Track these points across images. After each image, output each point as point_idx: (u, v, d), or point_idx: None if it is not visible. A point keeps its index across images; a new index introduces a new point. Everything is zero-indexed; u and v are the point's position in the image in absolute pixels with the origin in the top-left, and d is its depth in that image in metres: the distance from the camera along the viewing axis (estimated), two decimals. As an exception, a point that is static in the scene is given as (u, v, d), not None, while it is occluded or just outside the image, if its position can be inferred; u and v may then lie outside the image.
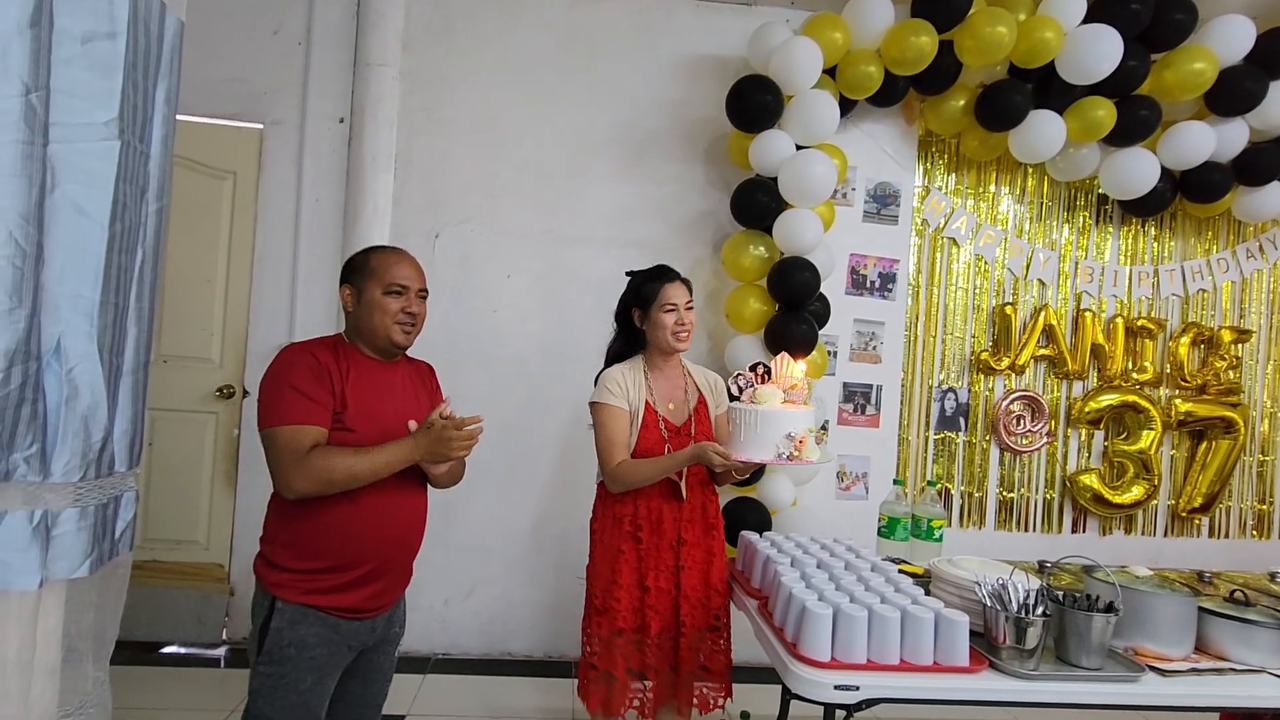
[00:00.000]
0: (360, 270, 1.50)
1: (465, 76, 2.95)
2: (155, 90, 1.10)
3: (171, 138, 1.16)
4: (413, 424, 1.45)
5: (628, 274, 1.96)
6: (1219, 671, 1.55)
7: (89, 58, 0.96)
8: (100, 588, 1.07)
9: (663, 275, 1.88)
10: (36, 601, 0.94)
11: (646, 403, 1.85)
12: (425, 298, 1.56)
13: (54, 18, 0.90)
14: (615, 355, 1.96)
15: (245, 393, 2.88)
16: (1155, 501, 3.26)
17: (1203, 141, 2.83)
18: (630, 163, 3.03)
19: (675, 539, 1.84)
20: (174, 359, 2.87)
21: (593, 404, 1.86)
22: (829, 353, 2.99)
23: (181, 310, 2.84)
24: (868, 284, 3.14)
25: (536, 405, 2.97)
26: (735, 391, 1.77)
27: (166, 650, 2.81)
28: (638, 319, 1.90)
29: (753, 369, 1.77)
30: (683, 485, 1.87)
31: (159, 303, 1.21)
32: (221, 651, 2.86)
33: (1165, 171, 2.92)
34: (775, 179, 2.69)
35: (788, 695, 2.14)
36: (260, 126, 2.86)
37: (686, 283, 1.89)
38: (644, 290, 1.87)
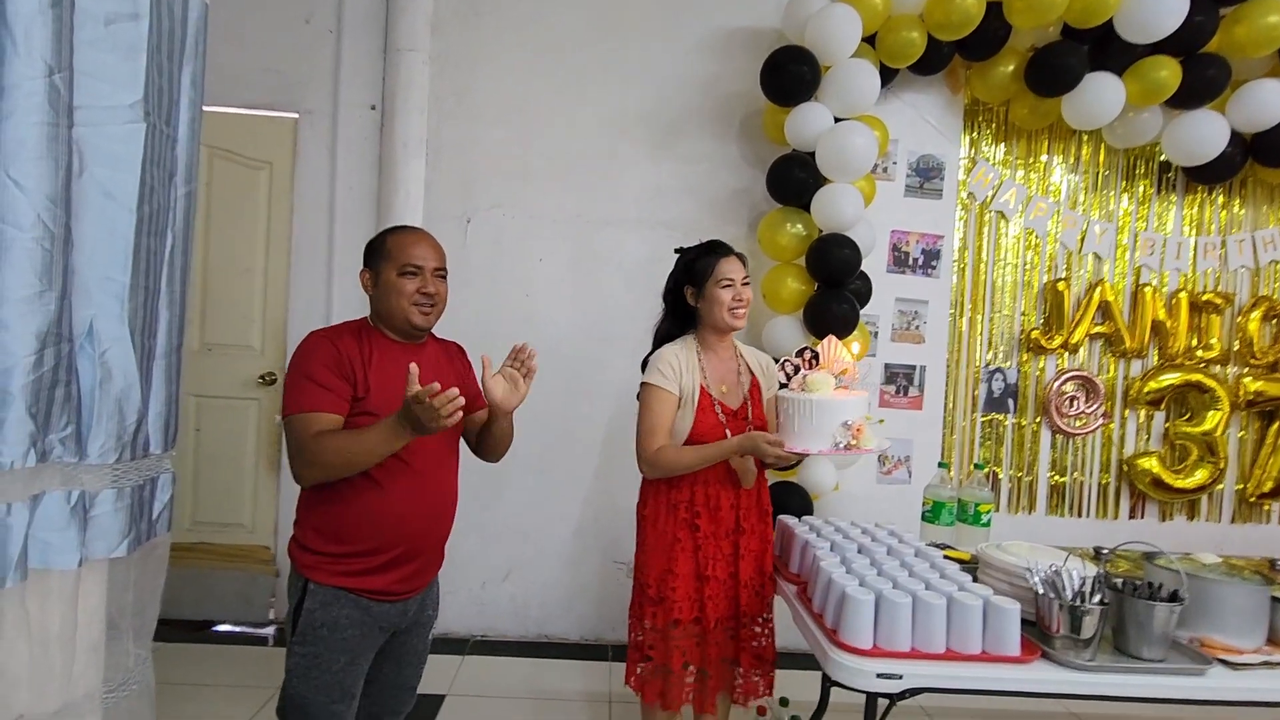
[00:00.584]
0: (377, 252, 1.49)
1: (494, 59, 2.92)
2: (181, 73, 1.10)
3: (199, 122, 1.16)
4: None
5: (676, 251, 1.88)
6: (1295, 665, 1.46)
7: (112, 39, 0.96)
8: (139, 567, 1.09)
9: (717, 249, 1.80)
10: (77, 580, 0.95)
11: (701, 386, 1.78)
12: (444, 277, 1.52)
13: (75, -1, 0.90)
14: (665, 336, 1.88)
15: (287, 379, 2.94)
16: (1221, 486, 3.08)
17: (1276, 101, 2.63)
18: (662, 142, 2.97)
19: (733, 526, 1.78)
20: (217, 347, 2.94)
21: (644, 384, 1.79)
22: (870, 333, 2.89)
23: (223, 299, 2.90)
24: (910, 261, 3.03)
25: (572, 390, 2.95)
26: (783, 379, 1.70)
27: (217, 629, 2.91)
28: (691, 296, 1.82)
29: (799, 354, 1.70)
30: (750, 467, 1.79)
31: (195, 289, 1.22)
32: (269, 630, 2.94)
33: (1235, 134, 2.72)
34: (813, 154, 2.60)
35: (828, 682, 2.11)
36: (295, 116, 2.89)
37: (742, 257, 1.81)
38: (698, 266, 1.79)
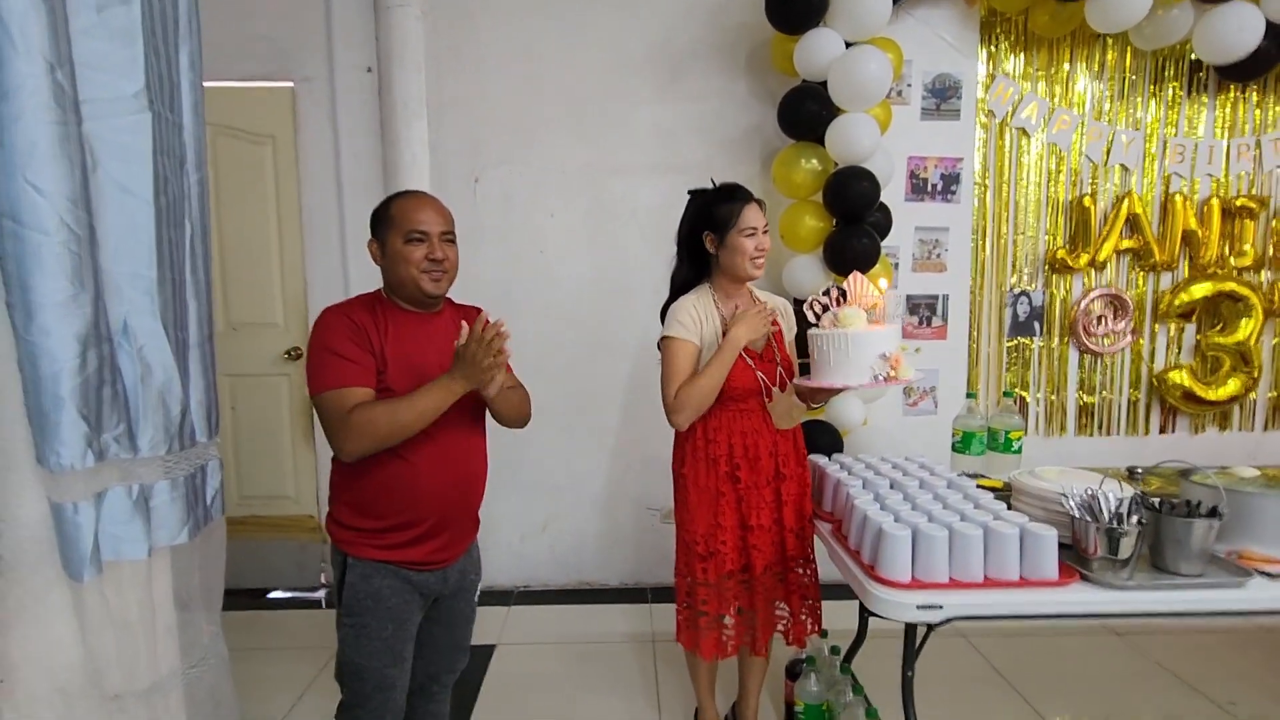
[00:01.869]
0: (382, 220, 1.45)
1: (488, 8, 2.81)
2: (178, 55, 1.07)
3: (201, 105, 1.13)
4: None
5: (690, 193, 1.82)
6: (1335, 572, 1.46)
7: (106, 27, 0.93)
8: (201, 550, 1.13)
9: (739, 195, 1.74)
10: (148, 569, 0.99)
11: (724, 334, 1.75)
12: (452, 241, 1.48)
13: (65, -13, 0.87)
14: (685, 284, 1.83)
15: (312, 353, 2.97)
16: (1254, 395, 3.05)
17: (1319, -15, 2.47)
18: (668, 81, 2.87)
19: (773, 473, 1.79)
20: (243, 326, 2.98)
21: (664, 338, 1.76)
22: (891, 265, 2.85)
23: (243, 278, 2.92)
24: (929, 188, 2.95)
25: (594, 343, 2.96)
26: (813, 319, 1.68)
27: (272, 596, 3.04)
28: (710, 243, 1.76)
29: (826, 293, 1.68)
30: (793, 408, 1.79)
31: (217, 274, 1.22)
32: (321, 594, 3.07)
33: (1270, 26, 2.57)
34: (824, 83, 2.50)
35: (865, 614, 2.17)
36: (291, 85, 2.83)
37: (761, 203, 1.76)
38: (720, 212, 1.73)
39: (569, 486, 3.07)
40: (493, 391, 1.42)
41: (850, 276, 1.69)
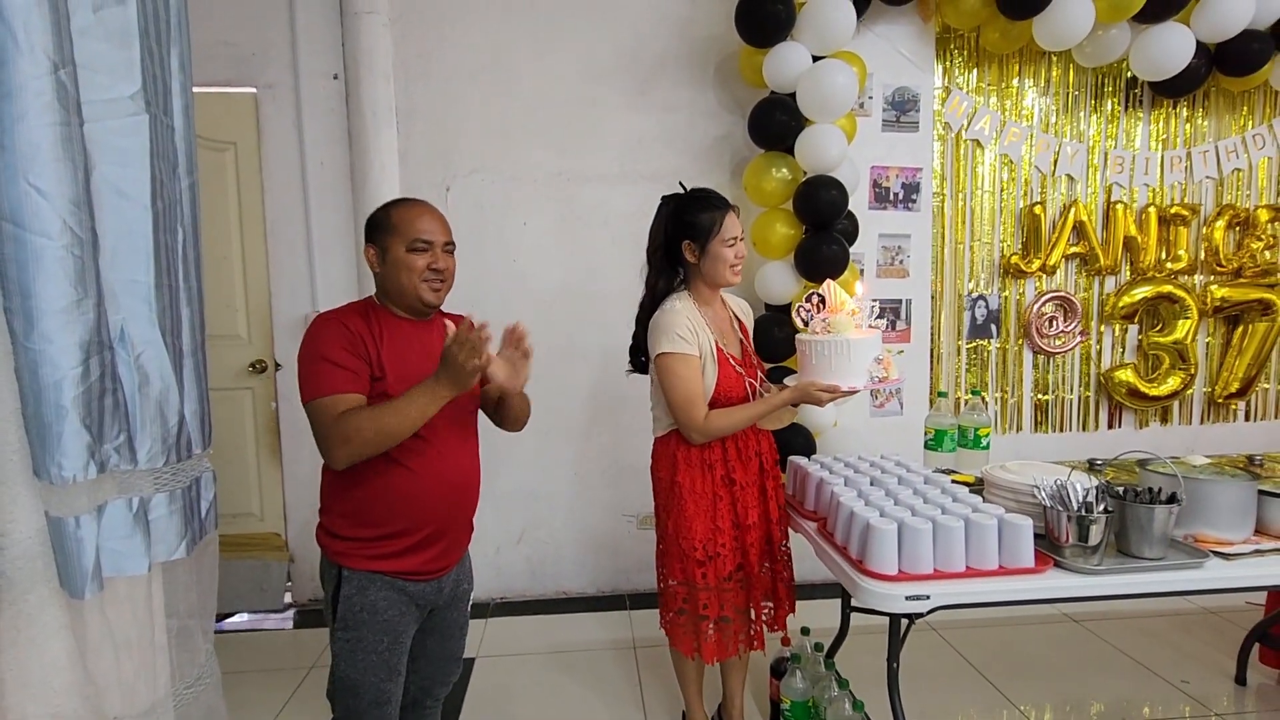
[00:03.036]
0: (382, 227, 1.44)
1: (459, 16, 2.80)
2: (170, 57, 1.05)
3: (192, 108, 1.11)
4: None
5: (664, 199, 1.81)
6: (1281, 550, 1.58)
7: (103, 27, 0.91)
8: (196, 566, 1.09)
9: (719, 204, 1.74)
10: (147, 585, 0.96)
11: (715, 343, 1.77)
12: (452, 251, 1.49)
13: (65, -14, 0.84)
14: (666, 292, 1.81)
15: (278, 365, 2.89)
16: (1191, 391, 3.25)
17: (1241, 9, 2.68)
18: (640, 91, 2.91)
19: (759, 470, 1.85)
20: (205, 339, 2.87)
21: (665, 354, 1.72)
22: (858, 270, 2.94)
23: (205, 290, 2.81)
24: (891, 196, 3.06)
25: (567, 350, 2.96)
26: (801, 324, 1.74)
27: (234, 619, 2.93)
28: (690, 252, 1.75)
29: (808, 300, 1.74)
30: (789, 414, 1.85)
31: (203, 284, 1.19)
32: (289, 615, 2.97)
33: (1200, 46, 2.77)
34: (793, 95, 2.58)
35: (847, 610, 2.22)
36: (254, 91, 2.76)
37: (737, 210, 1.79)
38: (700, 221, 1.72)
39: (544, 496, 3.05)
40: (520, 383, 1.45)
41: (824, 284, 1.75)
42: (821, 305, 1.72)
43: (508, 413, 1.63)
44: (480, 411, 1.66)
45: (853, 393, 1.68)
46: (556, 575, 3.11)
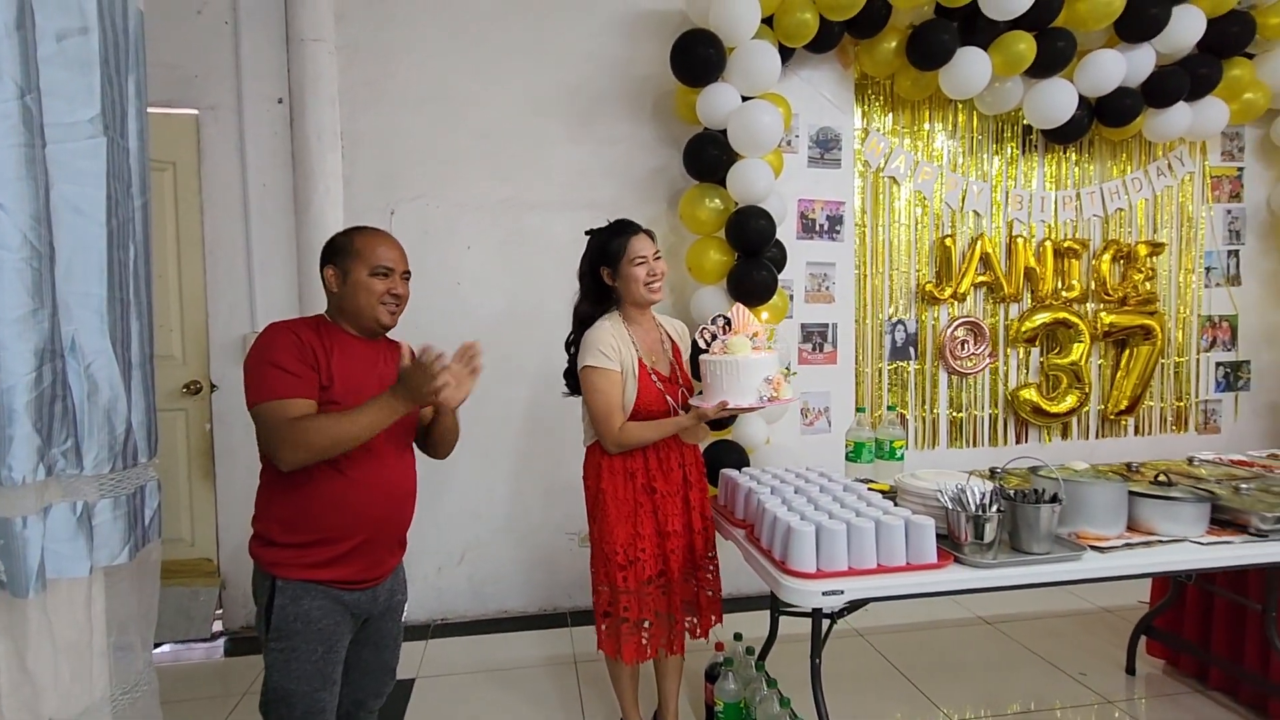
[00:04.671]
0: (345, 252, 1.52)
1: (406, 47, 2.89)
2: (127, 83, 1.11)
3: (146, 131, 1.17)
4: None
5: (587, 233, 1.97)
6: (1148, 544, 1.78)
7: (65, 55, 0.97)
8: (137, 573, 1.12)
9: (626, 229, 1.90)
10: (88, 589, 0.99)
11: (638, 359, 1.89)
12: (408, 279, 1.59)
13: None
14: (586, 317, 1.96)
15: (214, 387, 2.85)
16: (1087, 408, 3.55)
17: (1114, 68, 3.03)
18: (581, 124, 3.05)
19: (682, 481, 1.95)
20: (133, 359, 2.81)
21: (587, 368, 1.85)
22: (787, 296, 3.12)
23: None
24: (817, 227, 3.27)
25: (508, 373, 3.02)
26: (704, 345, 1.86)
27: (159, 650, 2.82)
28: (608, 277, 1.91)
29: (714, 322, 1.86)
30: (700, 429, 1.96)
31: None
32: (219, 644, 2.88)
33: (1082, 99, 3.11)
34: (724, 131, 2.76)
35: (776, 615, 2.34)
36: (195, 112, 2.77)
37: (649, 233, 1.92)
38: (611, 247, 1.89)
39: (486, 516, 3.08)
40: (460, 398, 1.50)
41: (734, 307, 1.90)
42: (727, 328, 1.85)
43: (436, 432, 1.68)
44: None
45: (741, 411, 1.80)
46: (498, 595, 3.12)
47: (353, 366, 1.49)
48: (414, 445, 1.69)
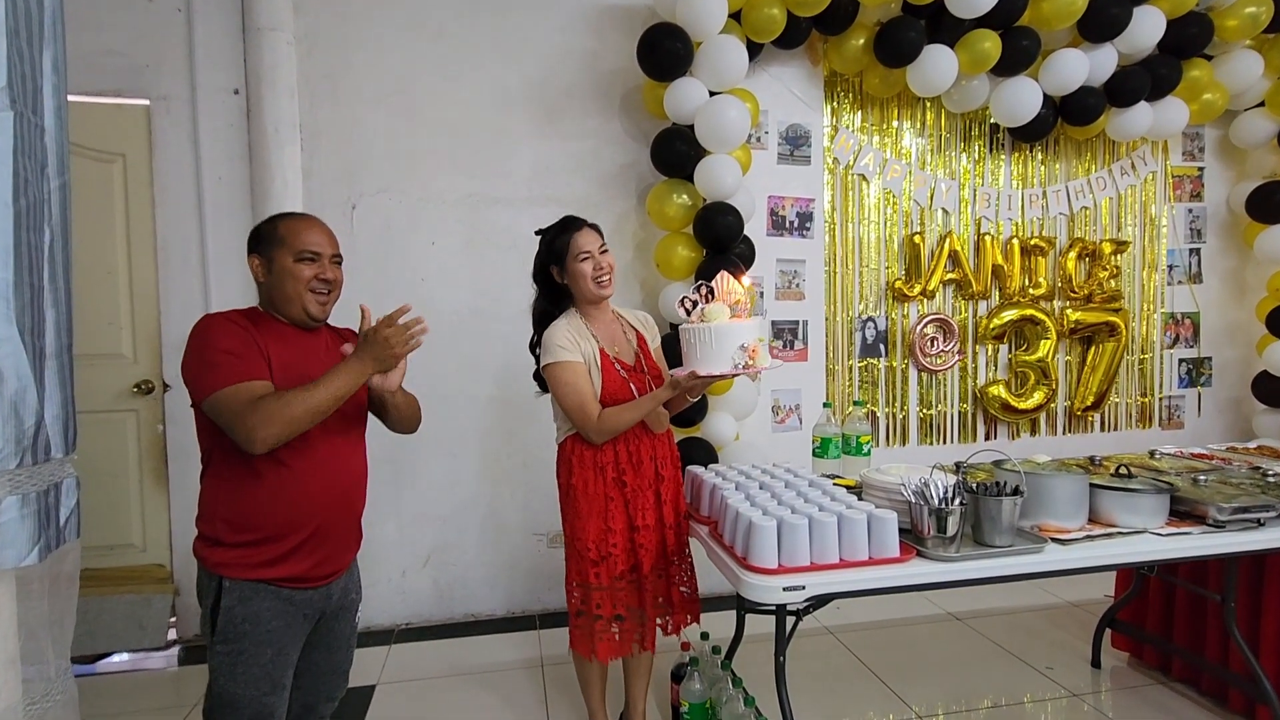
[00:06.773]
0: (268, 239, 1.46)
1: (368, 39, 2.83)
2: (42, 58, 1.05)
3: (65, 110, 1.11)
4: (347, 347, 1.45)
5: (537, 233, 1.95)
6: (1109, 536, 1.78)
7: (-35, 24, 0.91)
8: (51, 575, 1.05)
9: (570, 226, 1.88)
10: (-9, 590, 0.92)
11: (600, 350, 1.86)
12: (339, 264, 1.52)
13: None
14: (543, 315, 1.94)
15: (166, 386, 2.76)
16: (1054, 404, 3.58)
17: (1078, 67, 3.05)
18: (548, 119, 3.01)
19: (654, 475, 1.91)
20: (83, 357, 2.69)
21: (549, 366, 1.83)
22: (758, 293, 3.10)
23: (84, 305, 2.66)
24: (787, 224, 3.26)
25: (473, 370, 2.97)
26: (683, 314, 1.80)
27: (112, 660, 2.72)
28: (557, 275, 1.90)
29: (697, 289, 1.81)
30: (662, 413, 1.91)
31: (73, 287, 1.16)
32: (173, 652, 2.79)
33: (1047, 98, 3.13)
34: (692, 126, 2.74)
35: (742, 614, 2.31)
36: (146, 102, 2.68)
37: (595, 227, 1.89)
38: (556, 245, 1.87)
39: (453, 518, 3.02)
40: (397, 380, 1.50)
41: (718, 275, 1.84)
42: (710, 296, 1.80)
43: (392, 411, 1.62)
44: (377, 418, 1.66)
45: (713, 379, 1.72)
46: (465, 598, 3.06)
47: (292, 356, 1.43)
48: (365, 429, 1.62)
